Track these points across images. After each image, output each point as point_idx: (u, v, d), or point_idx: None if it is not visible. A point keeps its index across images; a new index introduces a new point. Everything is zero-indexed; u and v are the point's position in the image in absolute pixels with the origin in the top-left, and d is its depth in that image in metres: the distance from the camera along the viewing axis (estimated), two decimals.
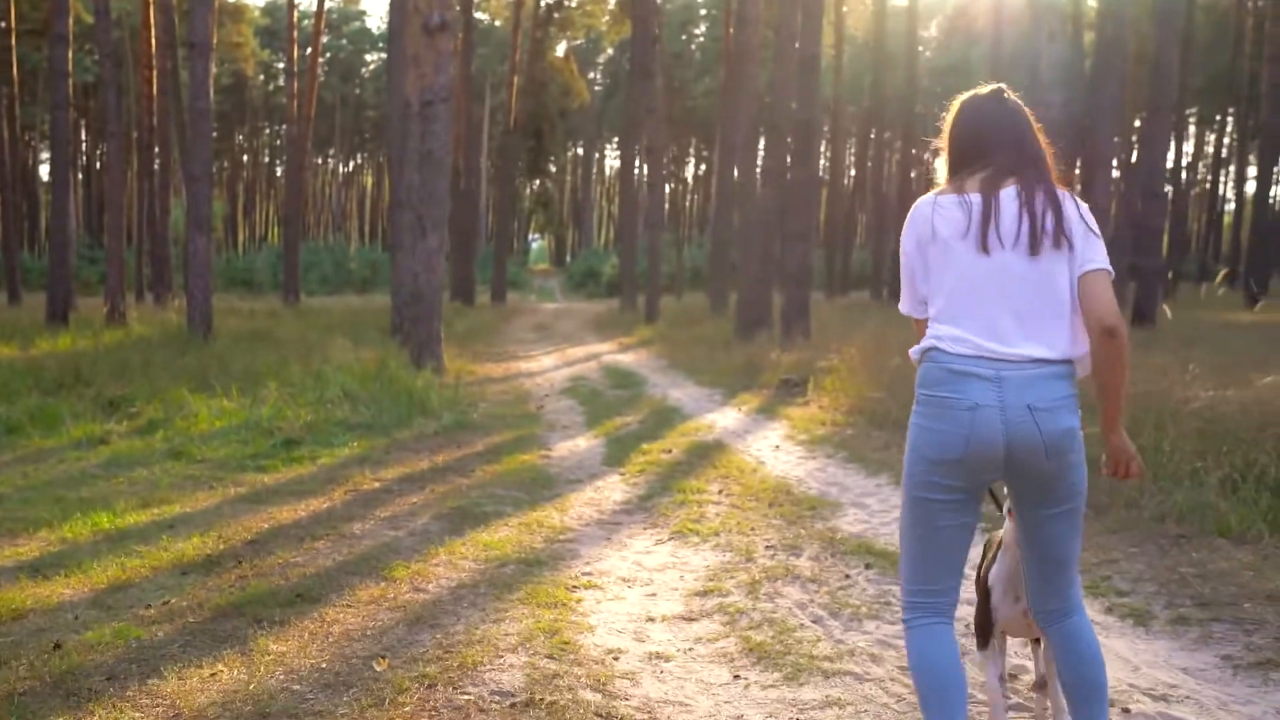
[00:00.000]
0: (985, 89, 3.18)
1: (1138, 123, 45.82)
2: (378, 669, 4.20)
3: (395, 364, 14.51)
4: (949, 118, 3.21)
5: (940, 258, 3.08)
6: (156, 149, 31.66)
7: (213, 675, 4.10)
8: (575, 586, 5.47)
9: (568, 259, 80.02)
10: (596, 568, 5.88)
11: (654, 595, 5.40)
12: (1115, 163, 47.41)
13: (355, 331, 19.78)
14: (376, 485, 8.11)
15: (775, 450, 9.75)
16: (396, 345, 17.35)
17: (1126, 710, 3.92)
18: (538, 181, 51.18)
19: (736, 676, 4.27)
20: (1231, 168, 58.63)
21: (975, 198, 3.04)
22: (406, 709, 3.82)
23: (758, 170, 25.18)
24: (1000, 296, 3.01)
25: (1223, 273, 17.37)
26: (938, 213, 3.08)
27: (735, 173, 27.91)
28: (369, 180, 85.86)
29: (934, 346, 3.06)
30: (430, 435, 10.51)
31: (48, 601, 5.14)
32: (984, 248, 3.00)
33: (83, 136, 60.08)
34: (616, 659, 4.44)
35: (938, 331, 3.06)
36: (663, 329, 25.38)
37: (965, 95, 3.22)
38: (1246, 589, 5.28)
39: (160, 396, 11.62)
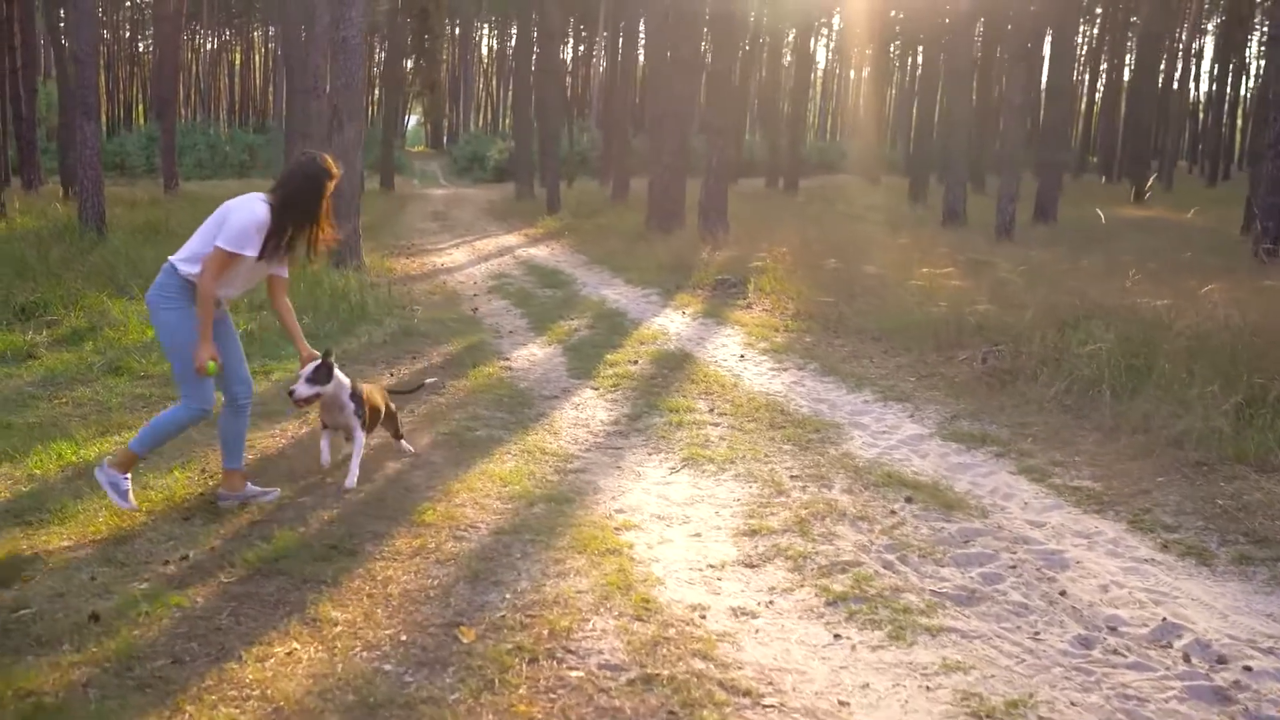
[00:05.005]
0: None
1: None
2: (464, 640, 3.89)
3: (317, 264, 13.89)
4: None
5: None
6: (17, 24, 29.56)
7: (289, 655, 3.74)
8: (616, 528, 5.20)
9: (444, 141, 78.09)
10: (625, 503, 5.62)
11: (699, 536, 5.17)
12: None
13: None
14: None
15: (742, 360, 9.55)
16: None
17: (1248, 669, 3.84)
18: (411, 62, 49.33)
19: (837, 636, 4.08)
20: (1102, 61, 59.68)
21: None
22: (520, 690, 3.53)
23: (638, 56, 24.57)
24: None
25: (1151, 178, 17.59)
26: None
27: (641, 59, 27.27)
28: (238, 58, 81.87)
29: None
30: (379, 345, 10.06)
31: (51, 558, 4.69)
32: None
33: None
34: (703, 617, 4.21)
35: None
36: (568, 220, 24.88)
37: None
38: None
39: (79, 302, 10.89)
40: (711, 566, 4.77)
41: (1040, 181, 24.36)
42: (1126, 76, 58.38)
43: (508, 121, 79.73)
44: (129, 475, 5.28)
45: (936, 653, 3.95)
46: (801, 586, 4.56)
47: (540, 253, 19.68)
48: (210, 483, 5.84)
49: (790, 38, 50.53)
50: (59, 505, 5.37)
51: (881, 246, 16.07)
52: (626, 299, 13.40)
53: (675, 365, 9.28)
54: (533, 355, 9.83)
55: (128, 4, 68.68)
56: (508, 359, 9.57)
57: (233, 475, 5.51)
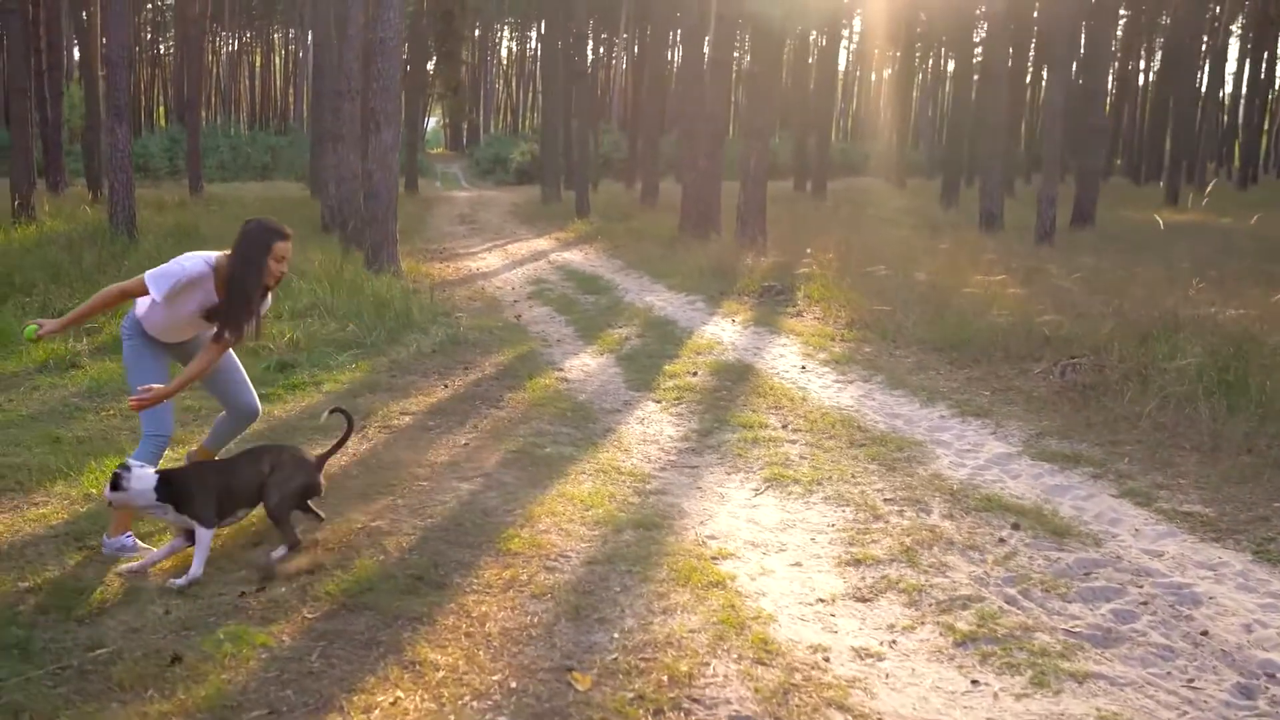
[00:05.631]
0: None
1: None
2: (579, 688, 3.60)
3: (352, 269, 13.68)
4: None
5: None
6: (43, 26, 29.38)
7: (394, 705, 3.45)
8: (713, 557, 4.90)
9: (463, 143, 77.89)
10: (714, 529, 5.32)
11: (800, 566, 4.87)
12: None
13: None
14: (409, 420, 7.41)
15: (804, 372, 9.24)
16: (339, 244, 16.42)
17: None
18: (433, 64, 49.17)
19: (975, 682, 3.77)
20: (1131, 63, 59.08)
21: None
22: None
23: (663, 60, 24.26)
24: None
25: (1210, 184, 17.18)
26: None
27: (671, 61, 26.98)
28: (258, 59, 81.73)
29: None
30: (428, 354, 9.77)
31: (119, 588, 4.43)
32: None
33: None
34: (827, 659, 3.91)
35: None
36: (598, 223, 24.58)
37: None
38: None
39: (119, 309, 10.59)
40: (821, 601, 4.47)
41: (1078, 185, 23.99)
42: (1148, 79, 57.92)
43: (527, 123, 79.63)
44: (130, 531, 4.93)
45: (1088, 702, 3.64)
46: (922, 624, 4.26)
47: (574, 257, 19.40)
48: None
49: (813, 37, 50.24)
50: None
51: (925, 252, 15.75)
52: (672, 306, 13.10)
53: (737, 377, 8.98)
54: (586, 365, 9.55)
55: (149, 6, 68.66)
56: (561, 369, 9.29)
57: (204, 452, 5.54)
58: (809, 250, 15.41)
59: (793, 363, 9.65)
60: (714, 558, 4.89)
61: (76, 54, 42.60)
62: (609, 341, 10.66)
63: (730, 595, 4.44)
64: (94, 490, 5.73)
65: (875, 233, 19.80)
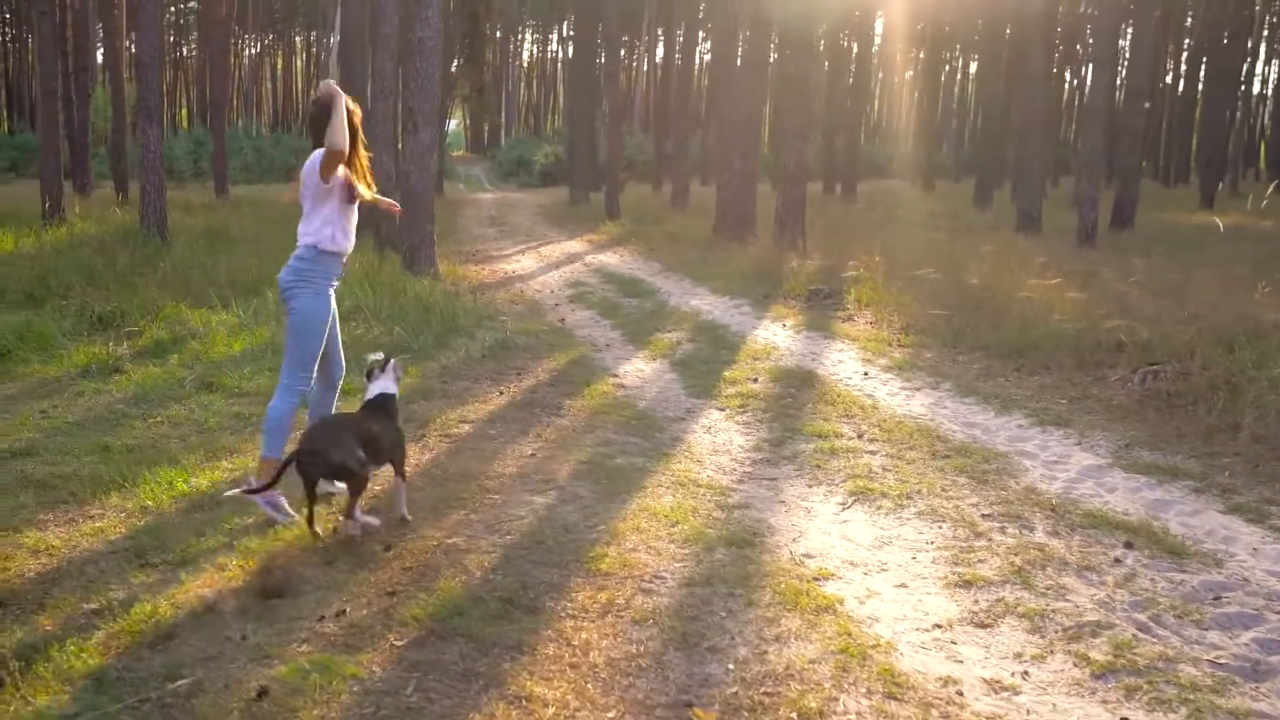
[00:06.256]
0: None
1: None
2: None
3: (390, 271, 13.43)
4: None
5: None
6: (70, 28, 29.23)
7: None
8: (815, 578, 4.61)
9: (485, 145, 77.71)
10: (808, 547, 5.03)
11: (905, 587, 4.57)
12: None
13: None
14: (468, 429, 7.14)
15: (867, 379, 8.93)
16: (373, 246, 16.18)
17: None
18: (455, 66, 49.00)
19: None
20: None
21: None
22: None
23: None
24: None
25: (1271, 186, 16.73)
26: None
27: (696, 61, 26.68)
28: (279, 62, 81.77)
29: None
30: (478, 359, 9.50)
31: (188, 609, 4.16)
32: None
33: None
34: (960, 693, 3.62)
35: None
36: (630, 226, 24.27)
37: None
38: None
39: (159, 313, 10.40)
40: (938, 626, 4.18)
41: (1118, 187, 23.59)
42: (1176, 80, 57.30)
43: (550, 125, 79.42)
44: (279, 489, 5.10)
45: None
46: (1052, 653, 3.96)
47: (610, 260, 19.10)
48: (343, 518, 5.31)
49: (841, 36, 49.82)
50: (182, 545, 4.87)
51: (969, 255, 15.41)
52: (718, 310, 12.80)
53: (800, 384, 8.68)
54: (640, 371, 9.26)
55: (171, 10, 68.69)
56: (617, 375, 9.01)
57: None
58: (848, 253, 15.12)
59: (854, 369, 9.34)
60: (815, 579, 4.60)
61: (100, 57, 42.60)
62: (660, 346, 10.37)
63: (842, 621, 4.15)
64: (150, 503, 5.48)
65: (912, 235, 19.48)
